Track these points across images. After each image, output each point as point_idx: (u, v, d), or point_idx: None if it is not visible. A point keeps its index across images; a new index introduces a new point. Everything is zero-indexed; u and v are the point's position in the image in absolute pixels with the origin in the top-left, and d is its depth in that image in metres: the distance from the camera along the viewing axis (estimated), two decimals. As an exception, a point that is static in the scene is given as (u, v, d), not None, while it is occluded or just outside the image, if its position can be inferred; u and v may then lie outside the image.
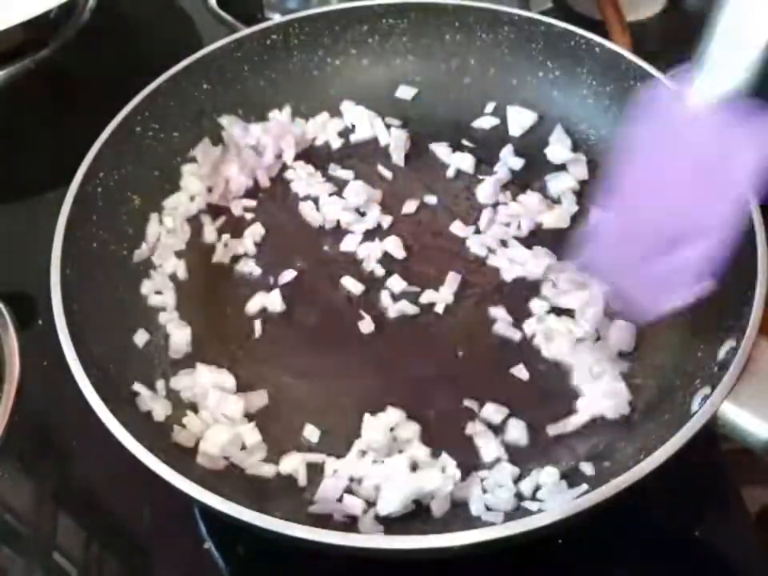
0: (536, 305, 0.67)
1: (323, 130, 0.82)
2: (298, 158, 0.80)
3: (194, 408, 0.61)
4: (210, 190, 0.76)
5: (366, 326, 0.66)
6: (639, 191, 0.53)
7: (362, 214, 0.74)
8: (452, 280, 0.69)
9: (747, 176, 0.48)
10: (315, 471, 0.58)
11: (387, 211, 0.75)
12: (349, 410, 0.61)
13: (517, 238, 0.72)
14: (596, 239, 0.56)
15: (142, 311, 0.67)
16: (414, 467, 0.57)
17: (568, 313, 0.66)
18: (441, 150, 0.79)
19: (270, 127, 0.80)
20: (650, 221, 0.52)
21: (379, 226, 0.74)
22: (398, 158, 0.79)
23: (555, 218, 0.73)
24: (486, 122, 0.82)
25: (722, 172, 0.49)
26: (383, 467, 0.57)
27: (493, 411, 0.60)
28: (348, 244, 0.73)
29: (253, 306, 0.68)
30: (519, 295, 0.68)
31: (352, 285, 0.69)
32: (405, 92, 0.84)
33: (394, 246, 0.72)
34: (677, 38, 0.96)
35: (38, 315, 0.71)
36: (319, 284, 0.70)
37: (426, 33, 0.83)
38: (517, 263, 0.69)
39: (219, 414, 0.60)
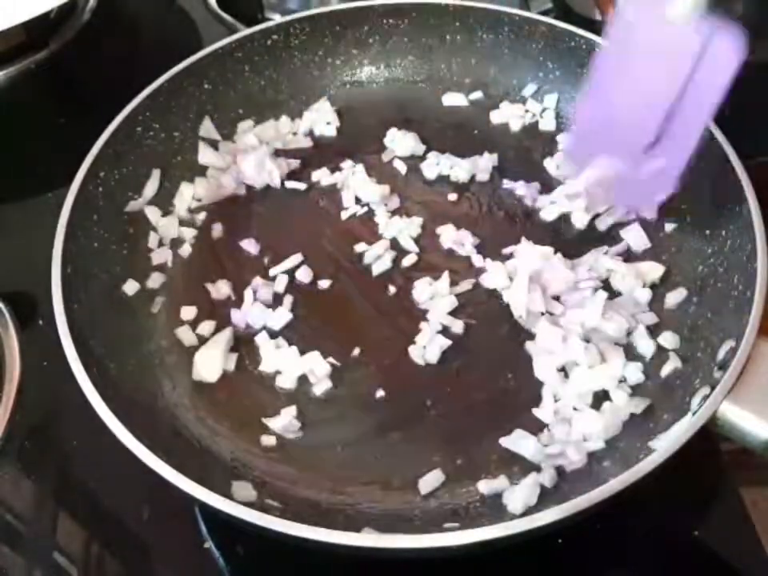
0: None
1: (324, 129, 0.82)
2: (298, 157, 0.80)
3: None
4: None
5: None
6: (615, 88, 0.58)
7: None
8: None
9: (717, 89, 0.52)
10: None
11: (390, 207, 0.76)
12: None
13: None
14: (577, 130, 0.62)
15: (144, 310, 0.67)
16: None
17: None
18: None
19: (276, 128, 0.81)
20: (625, 120, 0.58)
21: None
22: (396, 157, 0.79)
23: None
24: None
25: (693, 83, 0.53)
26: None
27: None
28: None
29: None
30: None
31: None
32: (405, 92, 0.84)
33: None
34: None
35: (38, 315, 0.71)
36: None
37: (427, 33, 0.83)
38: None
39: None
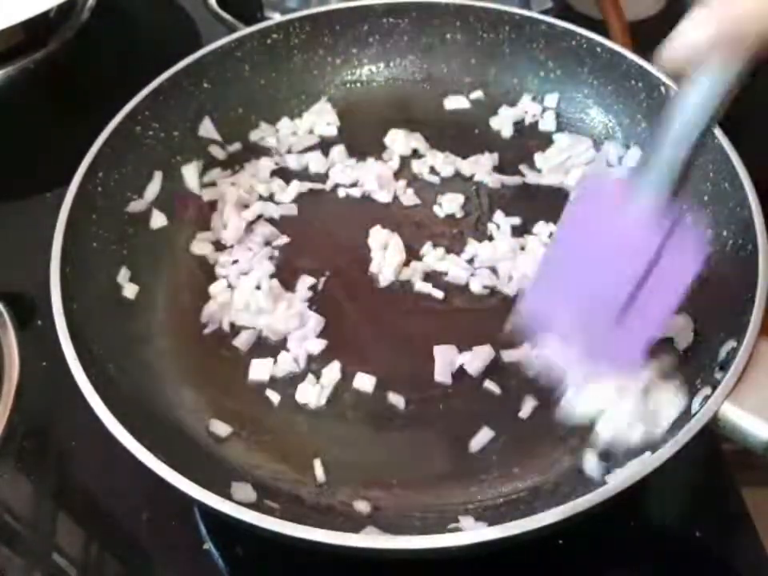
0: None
1: (325, 129, 0.82)
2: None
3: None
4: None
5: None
6: (572, 269, 0.53)
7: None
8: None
9: (679, 284, 0.49)
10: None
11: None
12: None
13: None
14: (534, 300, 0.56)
15: (143, 310, 0.67)
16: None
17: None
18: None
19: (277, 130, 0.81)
20: (584, 300, 0.52)
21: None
22: (397, 157, 0.79)
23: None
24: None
25: (657, 272, 0.50)
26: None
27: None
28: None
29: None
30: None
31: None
32: (405, 91, 0.84)
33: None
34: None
35: (37, 315, 0.71)
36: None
37: (427, 32, 0.83)
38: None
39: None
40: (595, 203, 0.53)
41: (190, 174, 0.76)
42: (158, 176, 0.74)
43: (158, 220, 0.73)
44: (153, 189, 0.73)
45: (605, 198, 0.52)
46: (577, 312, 0.53)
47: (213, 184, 0.77)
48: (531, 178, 0.76)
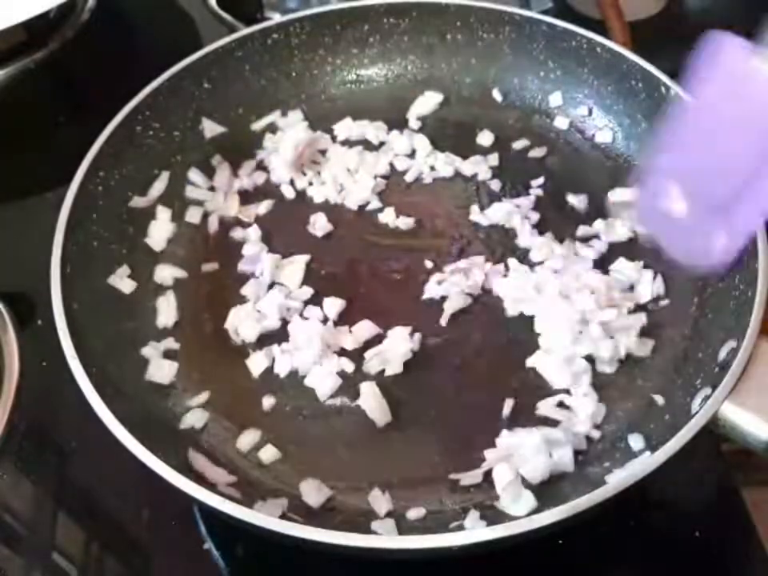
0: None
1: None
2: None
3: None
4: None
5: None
6: (696, 141, 0.52)
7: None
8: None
9: None
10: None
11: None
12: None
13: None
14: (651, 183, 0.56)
15: (143, 310, 0.67)
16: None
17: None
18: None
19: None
20: (701, 175, 0.52)
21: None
22: (395, 158, 0.79)
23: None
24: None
25: None
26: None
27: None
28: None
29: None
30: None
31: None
32: (405, 91, 0.84)
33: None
34: (677, 38, 0.96)
35: (37, 315, 0.71)
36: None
37: (428, 32, 0.83)
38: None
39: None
40: (724, 68, 0.49)
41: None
42: (161, 175, 0.74)
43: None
44: (159, 186, 0.74)
45: (734, 63, 0.48)
46: (693, 184, 0.52)
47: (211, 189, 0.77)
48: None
